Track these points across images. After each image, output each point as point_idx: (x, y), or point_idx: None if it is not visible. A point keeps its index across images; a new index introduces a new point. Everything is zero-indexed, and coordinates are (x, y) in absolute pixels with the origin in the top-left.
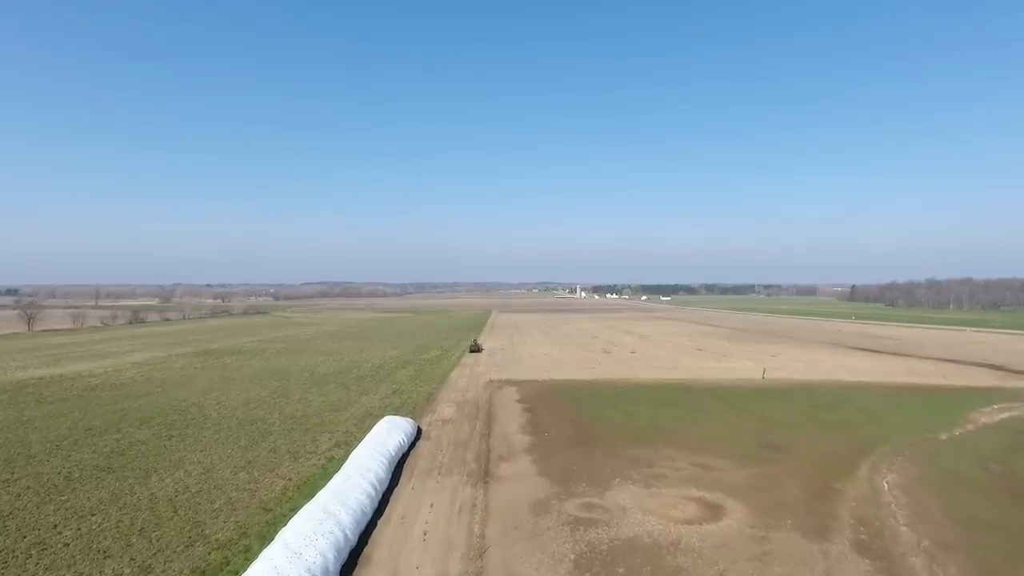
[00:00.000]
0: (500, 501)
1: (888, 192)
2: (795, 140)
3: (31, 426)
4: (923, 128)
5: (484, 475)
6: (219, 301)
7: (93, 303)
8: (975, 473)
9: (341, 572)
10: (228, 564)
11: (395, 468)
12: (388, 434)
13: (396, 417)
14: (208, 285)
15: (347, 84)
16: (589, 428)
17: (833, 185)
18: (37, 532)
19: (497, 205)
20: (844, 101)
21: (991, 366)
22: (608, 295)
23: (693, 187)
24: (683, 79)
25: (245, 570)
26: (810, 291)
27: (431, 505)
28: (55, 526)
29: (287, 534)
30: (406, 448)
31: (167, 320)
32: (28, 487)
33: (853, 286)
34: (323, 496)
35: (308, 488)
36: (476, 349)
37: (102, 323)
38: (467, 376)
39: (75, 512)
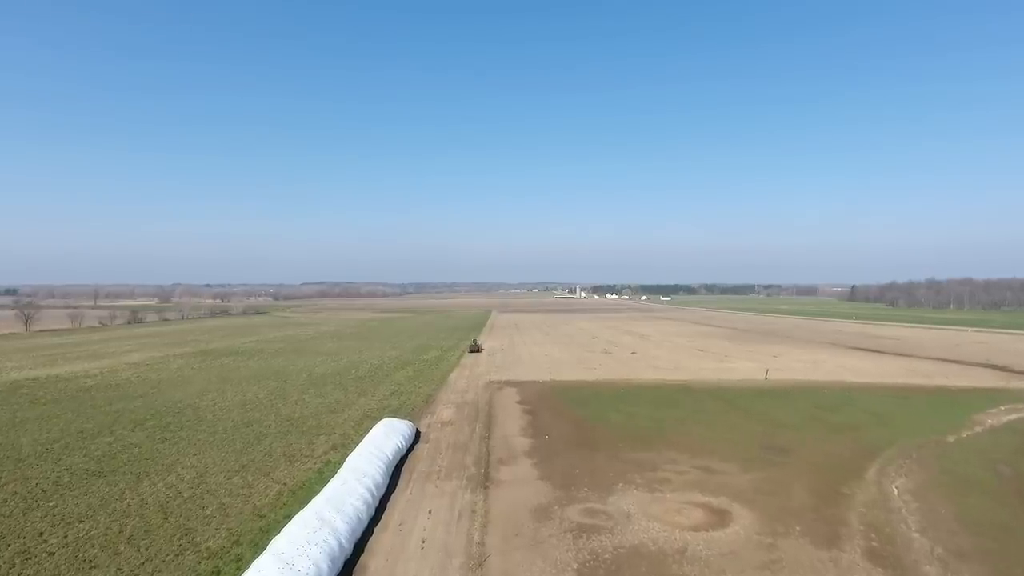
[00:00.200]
0: (501, 507)
1: (888, 192)
2: (795, 140)
3: (23, 428)
4: (923, 128)
5: (484, 479)
6: (218, 301)
7: (92, 303)
8: (985, 477)
9: None
10: (219, 574)
11: (393, 472)
12: (386, 437)
13: (394, 419)
14: (207, 285)
15: (347, 84)
16: (590, 430)
17: (833, 185)
18: (22, 540)
19: (497, 205)
20: (844, 101)
21: (994, 367)
22: (608, 295)
23: (693, 187)
24: (683, 79)
25: None
26: (810, 291)
27: (430, 511)
28: (41, 534)
29: (279, 543)
30: (404, 451)
31: (166, 320)
32: (15, 492)
33: (853, 286)
34: (318, 502)
35: (303, 493)
36: (476, 349)
37: (100, 323)
38: (467, 377)
39: (63, 519)
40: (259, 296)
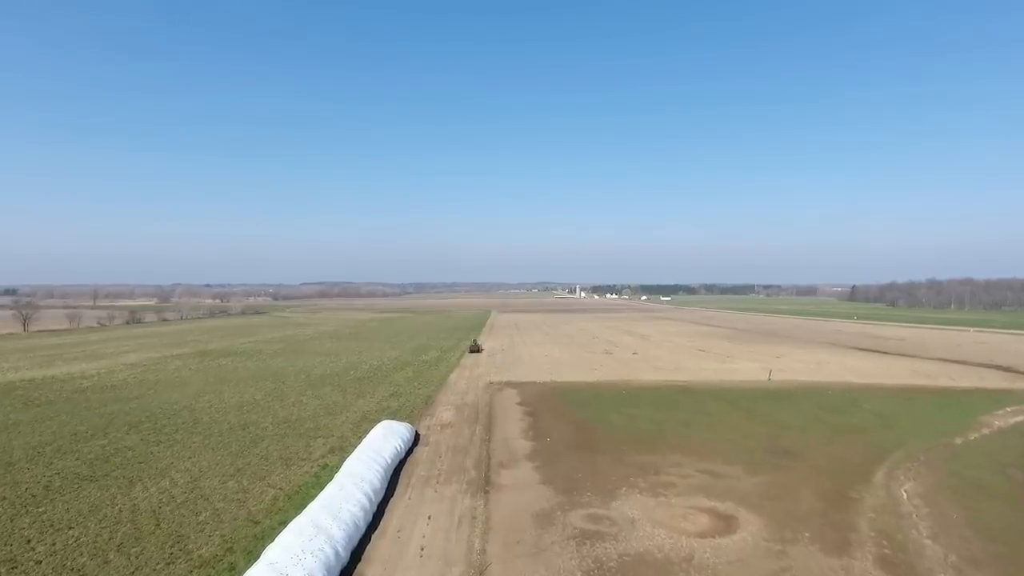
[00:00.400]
0: (502, 512)
1: (888, 192)
2: (795, 140)
3: (15, 431)
4: (923, 128)
5: (484, 484)
6: (218, 301)
7: (91, 303)
8: (996, 480)
9: None
10: None
11: (392, 476)
12: (385, 440)
13: (393, 422)
14: (207, 285)
15: (347, 84)
16: (592, 432)
17: (833, 185)
18: (9, 548)
19: (497, 205)
20: (844, 101)
21: (998, 367)
22: (608, 295)
23: (693, 187)
24: (683, 79)
25: None
26: (810, 291)
27: (429, 517)
28: (28, 541)
29: (273, 552)
30: (403, 454)
31: (165, 320)
32: (4, 497)
33: (853, 286)
34: (314, 509)
35: (300, 498)
36: (476, 349)
37: (99, 323)
38: (467, 378)
39: (51, 525)
40: (258, 296)
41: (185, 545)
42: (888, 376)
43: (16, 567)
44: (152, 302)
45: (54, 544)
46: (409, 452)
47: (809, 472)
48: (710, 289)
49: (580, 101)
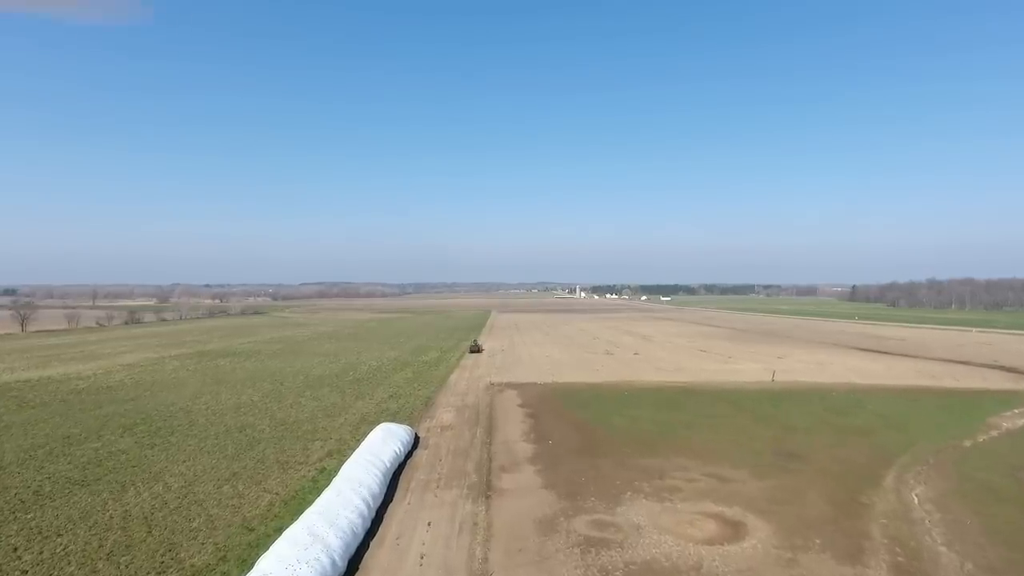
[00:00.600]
0: (503, 518)
1: (888, 192)
2: (795, 140)
3: (7, 433)
4: (923, 128)
5: (486, 488)
6: (217, 301)
7: (91, 303)
8: (1008, 485)
9: None
10: None
11: (391, 480)
12: (383, 443)
13: (392, 424)
14: (207, 285)
15: (344, 84)
16: (594, 434)
17: (833, 185)
18: None
19: (497, 205)
20: (844, 101)
21: (1003, 368)
22: (608, 295)
23: (693, 187)
24: (683, 79)
25: None
26: (810, 291)
27: (429, 523)
28: (15, 549)
29: (266, 562)
30: (403, 458)
31: (164, 320)
32: None
33: (853, 286)
34: (310, 516)
35: (296, 503)
36: (476, 350)
37: (97, 323)
38: (467, 379)
39: (40, 532)
40: (258, 296)
41: (177, 553)
42: (892, 377)
43: None
44: (151, 302)
45: (41, 552)
46: (408, 455)
47: (817, 476)
48: (710, 289)
49: (580, 101)
